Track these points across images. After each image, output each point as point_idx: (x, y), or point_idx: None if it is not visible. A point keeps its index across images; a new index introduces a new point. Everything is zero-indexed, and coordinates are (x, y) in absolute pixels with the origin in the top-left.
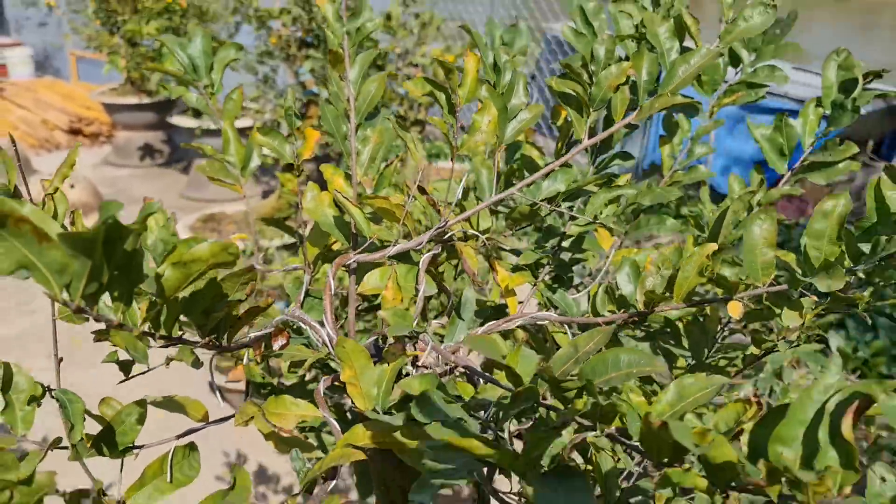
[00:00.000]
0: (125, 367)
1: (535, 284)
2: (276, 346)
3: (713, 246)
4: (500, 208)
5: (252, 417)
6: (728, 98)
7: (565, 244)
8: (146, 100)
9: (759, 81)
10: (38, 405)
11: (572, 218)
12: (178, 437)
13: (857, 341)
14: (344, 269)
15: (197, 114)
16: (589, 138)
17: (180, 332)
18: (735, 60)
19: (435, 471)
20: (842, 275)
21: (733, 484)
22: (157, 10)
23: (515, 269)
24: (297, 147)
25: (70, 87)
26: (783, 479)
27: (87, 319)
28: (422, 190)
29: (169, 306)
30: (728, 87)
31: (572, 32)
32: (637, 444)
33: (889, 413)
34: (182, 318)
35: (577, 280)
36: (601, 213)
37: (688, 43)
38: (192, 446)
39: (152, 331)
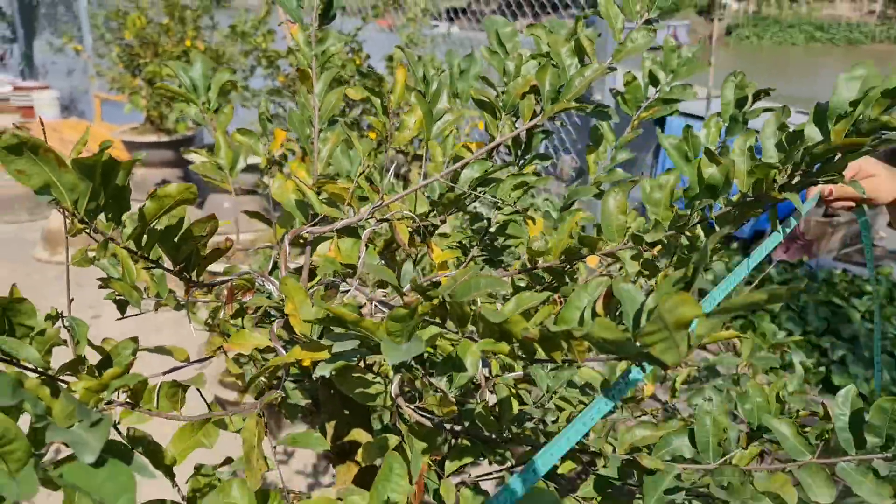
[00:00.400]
0: (121, 305)
1: (465, 263)
2: (244, 299)
3: (581, 214)
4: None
5: (220, 347)
6: (646, 112)
7: (492, 230)
8: (164, 138)
9: (673, 97)
10: (53, 326)
11: (498, 208)
12: (164, 373)
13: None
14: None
15: (211, 150)
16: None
17: (158, 258)
18: (654, 81)
19: (338, 353)
20: (663, 229)
21: (533, 356)
22: (176, 54)
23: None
24: (269, 144)
25: (94, 128)
26: (564, 345)
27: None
28: (369, 179)
29: (149, 232)
30: (647, 103)
31: (487, 51)
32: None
33: (622, 297)
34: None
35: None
36: (509, 197)
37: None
38: (175, 383)
39: (136, 250)
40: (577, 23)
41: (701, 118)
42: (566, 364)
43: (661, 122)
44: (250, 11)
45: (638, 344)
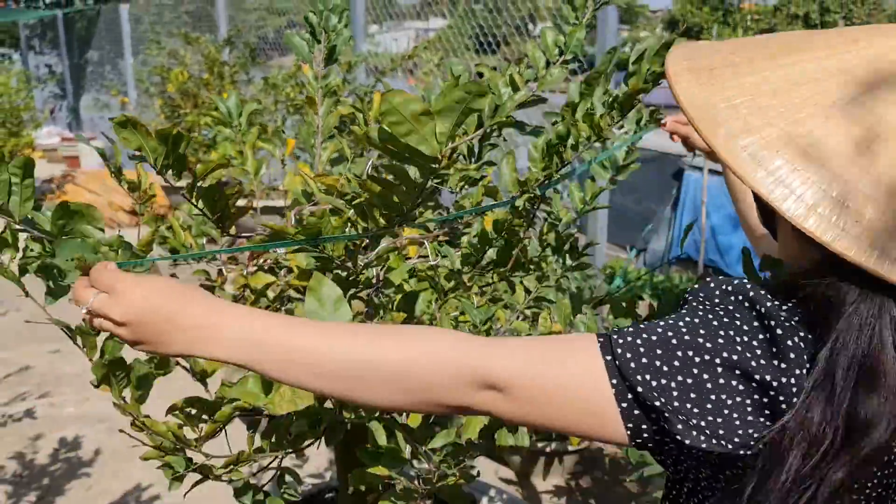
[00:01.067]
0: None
1: (430, 241)
2: (261, 261)
3: (489, 179)
4: None
5: (244, 284)
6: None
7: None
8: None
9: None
10: None
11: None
12: None
13: None
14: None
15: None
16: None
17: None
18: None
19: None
20: (536, 178)
21: None
22: (214, 105)
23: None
24: (283, 150)
25: (134, 175)
26: None
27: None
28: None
29: (197, 188)
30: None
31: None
32: None
33: None
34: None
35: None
36: (456, 186)
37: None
38: None
39: (191, 199)
40: (519, 63)
41: (718, 173)
42: None
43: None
44: (283, 69)
45: None
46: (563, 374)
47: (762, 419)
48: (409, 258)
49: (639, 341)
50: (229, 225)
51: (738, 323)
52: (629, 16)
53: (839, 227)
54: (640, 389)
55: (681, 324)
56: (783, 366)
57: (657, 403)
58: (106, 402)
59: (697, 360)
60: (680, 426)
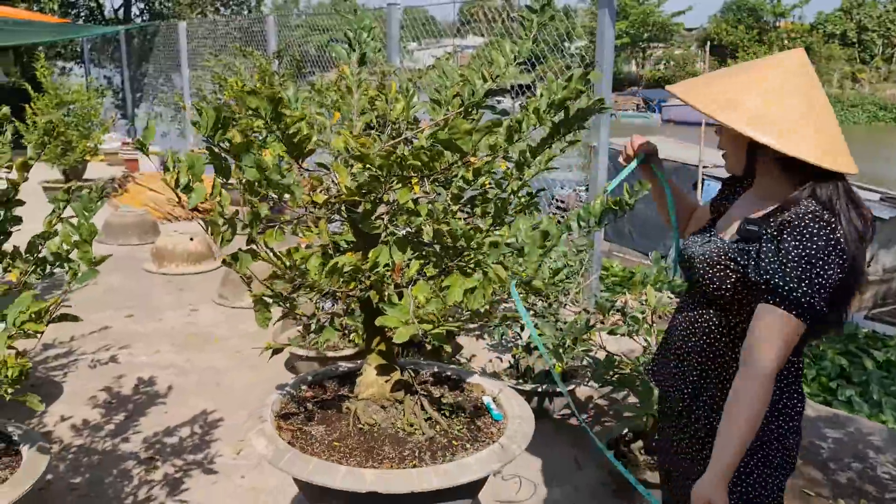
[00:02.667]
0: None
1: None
2: (318, 190)
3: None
4: None
5: (312, 200)
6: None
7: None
8: None
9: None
10: None
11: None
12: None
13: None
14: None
15: None
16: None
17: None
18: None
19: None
20: (501, 145)
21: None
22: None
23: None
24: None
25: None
26: None
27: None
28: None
29: (287, 134)
30: None
31: (437, 77)
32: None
33: None
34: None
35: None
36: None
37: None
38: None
39: (282, 138)
40: (492, 63)
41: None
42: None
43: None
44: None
45: None
46: None
47: None
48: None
49: None
50: (302, 159)
51: None
52: (664, 34)
53: (802, 148)
54: None
55: None
56: None
57: None
58: (172, 354)
59: None
60: None
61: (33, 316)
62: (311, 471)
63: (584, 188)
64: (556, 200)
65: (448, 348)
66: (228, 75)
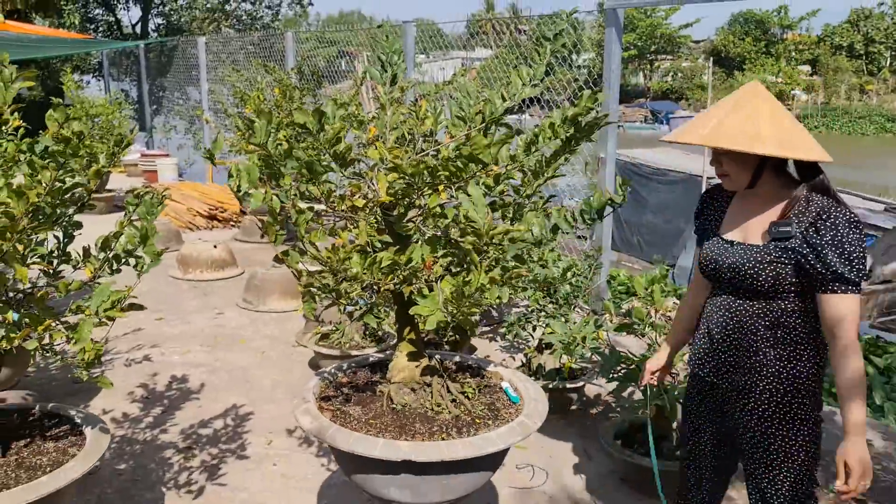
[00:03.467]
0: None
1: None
2: (356, 196)
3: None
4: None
5: (352, 205)
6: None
7: None
8: None
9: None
10: None
11: None
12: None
13: None
14: None
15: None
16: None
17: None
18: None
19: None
20: (520, 157)
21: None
22: (286, 122)
23: None
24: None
25: (207, 187)
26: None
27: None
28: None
29: (331, 141)
30: None
31: (462, 98)
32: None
33: None
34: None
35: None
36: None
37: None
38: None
39: (319, 141)
40: (510, 84)
41: None
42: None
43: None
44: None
45: None
46: None
47: None
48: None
49: None
50: (347, 166)
51: None
52: (672, 46)
53: (812, 154)
54: None
55: None
56: None
57: None
58: (203, 354)
59: None
60: None
61: (113, 304)
62: (352, 442)
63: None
64: (565, 210)
65: (470, 336)
66: (249, 89)
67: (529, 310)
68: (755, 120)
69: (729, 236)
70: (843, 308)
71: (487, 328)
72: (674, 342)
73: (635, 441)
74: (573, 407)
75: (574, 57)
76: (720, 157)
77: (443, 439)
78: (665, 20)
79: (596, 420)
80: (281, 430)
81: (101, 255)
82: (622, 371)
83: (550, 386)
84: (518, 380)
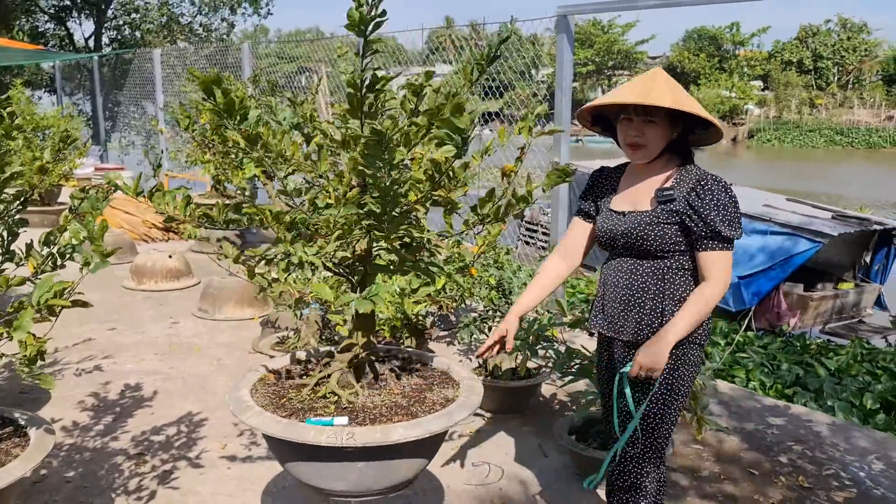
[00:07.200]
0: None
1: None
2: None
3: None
4: None
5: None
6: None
7: None
8: (227, 201)
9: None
10: None
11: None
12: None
13: None
14: None
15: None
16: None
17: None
18: None
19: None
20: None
21: None
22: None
23: None
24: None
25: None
26: None
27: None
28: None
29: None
30: None
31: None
32: None
33: None
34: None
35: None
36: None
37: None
38: None
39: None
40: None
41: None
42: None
43: None
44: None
45: None
46: None
47: None
48: None
49: None
50: (253, 143)
51: None
52: (628, 62)
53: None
54: None
55: None
56: None
57: None
58: (157, 362)
59: None
60: None
61: (56, 294)
62: (298, 432)
63: (546, 203)
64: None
65: (427, 340)
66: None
67: (486, 310)
68: (676, 91)
69: (620, 208)
70: (719, 263)
71: (445, 332)
72: (522, 306)
73: (588, 436)
74: (529, 405)
75: (534, 72)
76: (645, 126)
77: (382, 424)
78: (622, 36)
79: (551, 417)
80: (236, 434)
81: (45, 251)
82: (575, 367)
83: (507, 386)
84: (454, 366)
